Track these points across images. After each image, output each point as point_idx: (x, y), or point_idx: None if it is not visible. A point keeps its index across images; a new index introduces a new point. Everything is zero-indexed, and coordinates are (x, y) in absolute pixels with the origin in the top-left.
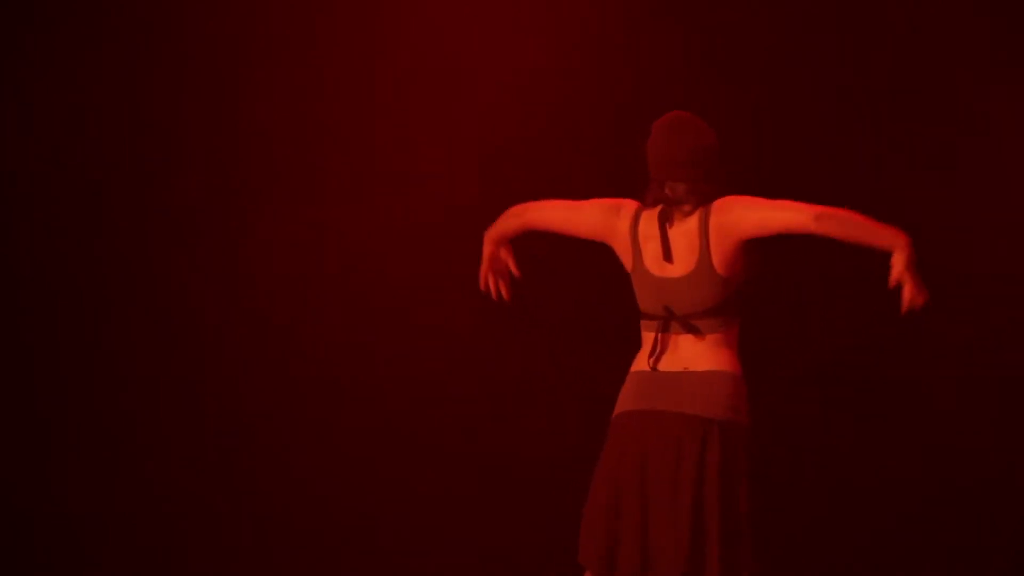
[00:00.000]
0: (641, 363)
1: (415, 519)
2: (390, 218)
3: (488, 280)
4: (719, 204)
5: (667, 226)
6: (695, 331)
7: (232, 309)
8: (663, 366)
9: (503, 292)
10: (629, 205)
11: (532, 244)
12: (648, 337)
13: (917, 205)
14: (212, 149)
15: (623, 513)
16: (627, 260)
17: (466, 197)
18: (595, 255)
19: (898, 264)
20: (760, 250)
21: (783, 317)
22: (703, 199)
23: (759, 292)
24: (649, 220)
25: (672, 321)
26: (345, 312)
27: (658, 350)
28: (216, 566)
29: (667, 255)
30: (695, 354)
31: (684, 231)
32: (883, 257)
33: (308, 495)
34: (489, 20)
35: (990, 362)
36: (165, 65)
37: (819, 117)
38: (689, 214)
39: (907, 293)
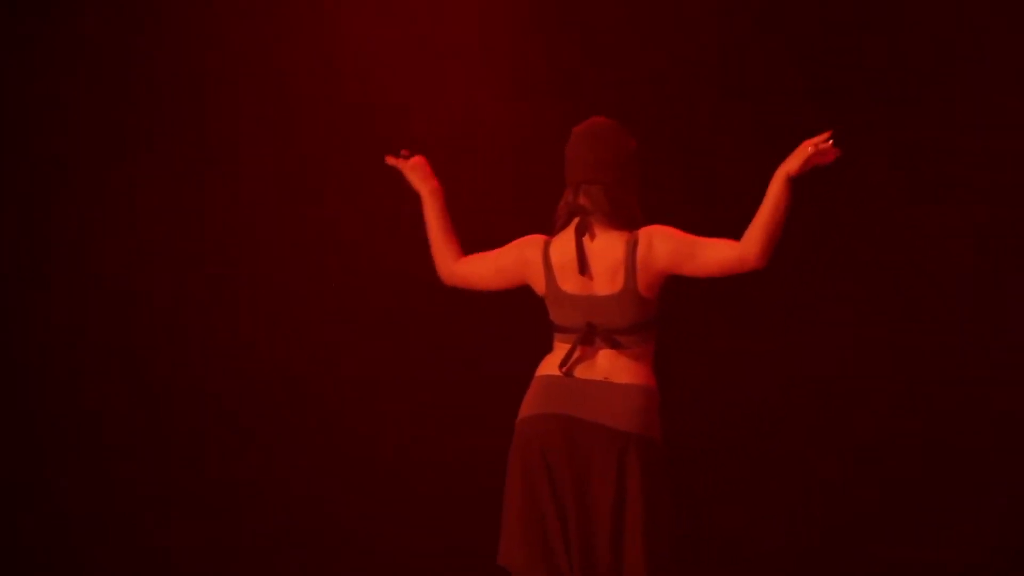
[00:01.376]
0: (550, 368)
1: (413, 519)
2: (386, 219)
3: (394, 159)
4: (646, 237)
5: (585, 238)
6: (618, 345)
7: (229, 309)
8: (580, 373)
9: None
10: (537, 237)
11: None
12: (562, 346)
13: (906, 205)
14: (208, 149)
15: (543, 516)
16: (539, 285)
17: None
18: None
19: (798, 170)
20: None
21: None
22: (620, 209)
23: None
24: (559, 245)
25: (595, 335)
26: (340, 312)
27: (574, 358)
28: (210, 565)
29: (583, 267)
30: (615, 366)
31: (607, 249)
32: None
33: (308, 494)
34: (489, 20)
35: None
36: (162, 63)
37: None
38: (609, 229)
39: (822, 158)
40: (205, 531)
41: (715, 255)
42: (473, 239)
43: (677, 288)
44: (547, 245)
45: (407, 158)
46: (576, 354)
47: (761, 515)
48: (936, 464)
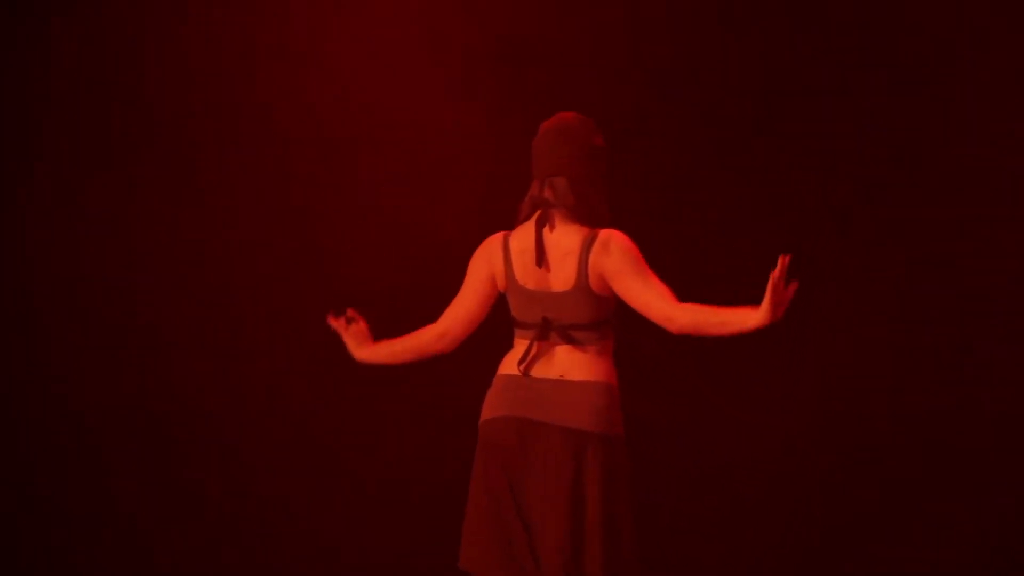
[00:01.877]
0: (509, 367)
1: (410, 519)
2: (379, 220)
3: (335, 322)
4: (604, 238)
5: (545, 229)
6: (574, 341)
7: (224, 309)
8: (537, 372)
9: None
10: (495, 236)
11: None
12: (521, 344)
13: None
14: (199, 152)
15: (504, 520)
16: (500, 280)
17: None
18: None
19: (772, 318)
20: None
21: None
22: (584, 203)
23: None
24: (519, 238)
25: (550, 331)
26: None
27: (531, 356)
28: (205, 564)
29: (539, 259)
30: (572, 363)
31: (564, 243)
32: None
33: (304, 496)
34: (469, 24)
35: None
36: (151, 66)
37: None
38: (570, 223)
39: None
40: (199, 532)
41: (649, 297)
42: (450, 239)
43: (678, 287)
44: (506, 238)
45: (351, 321)
46: (533, 351)
47: (761, 515)
48: (936, 464)
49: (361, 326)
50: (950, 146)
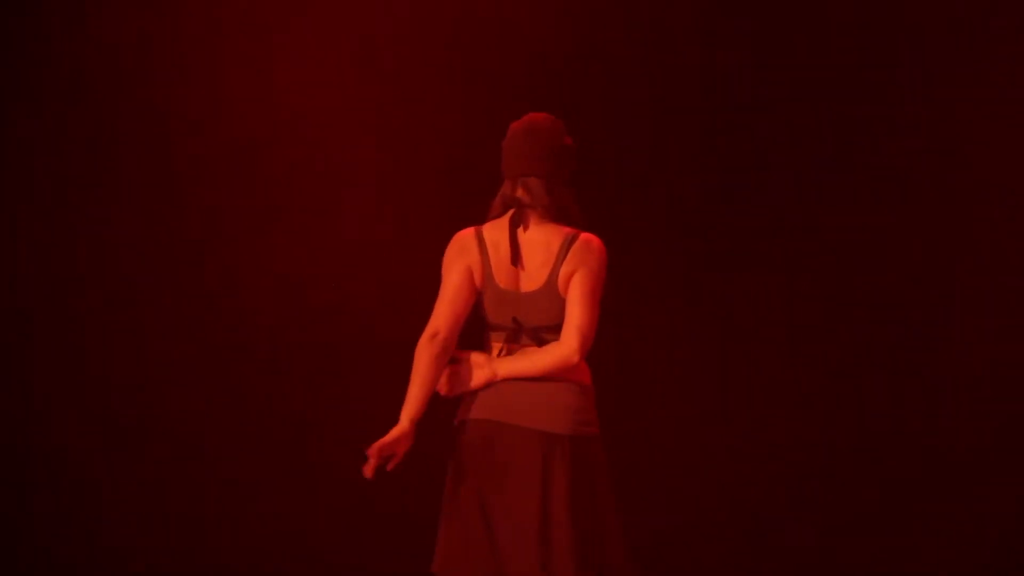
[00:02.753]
0: None
1: (406, 520)
2: (373, 220)
3: (379, 457)
4: (587, 240)
5: (519, 229)
6: (545, 343)
7: (216, 310)
8: None
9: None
10: (465, 232)
11: None
12: (495, 347)
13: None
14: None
15: (475, 524)
16: (478, 275)
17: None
18: None
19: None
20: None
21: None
22: (558, 202)
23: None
24: (493, 230)
25: (521, 333)
26: (333, 315)
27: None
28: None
29: (515, 258)
30: None
31: (539, 242)
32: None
33: (304, 497)
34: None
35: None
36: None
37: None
38: (546, 223)
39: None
40: (197, 531)
41: (576, 313)
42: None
43: (680, 287)
44: (479, 231)
45: (393, 453)
46: (504, 354)
47: (761, 514)
48: (936, 464)
49: (388, 442)
50: (948, 151)
